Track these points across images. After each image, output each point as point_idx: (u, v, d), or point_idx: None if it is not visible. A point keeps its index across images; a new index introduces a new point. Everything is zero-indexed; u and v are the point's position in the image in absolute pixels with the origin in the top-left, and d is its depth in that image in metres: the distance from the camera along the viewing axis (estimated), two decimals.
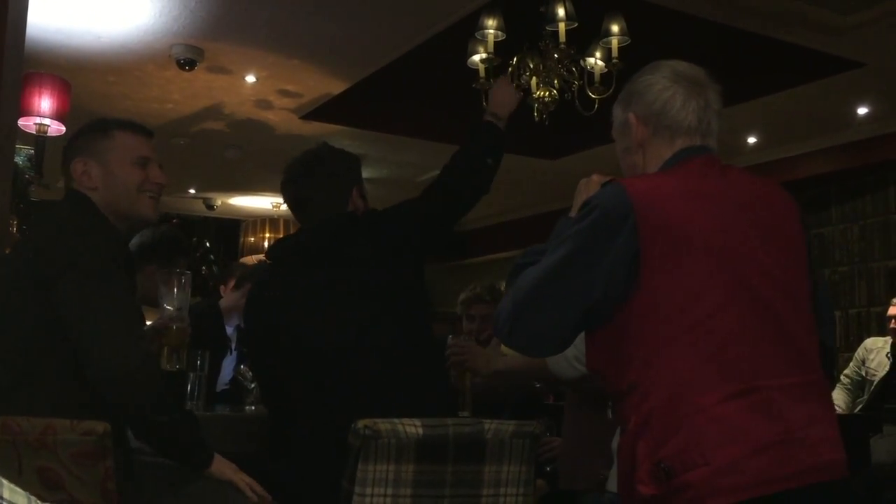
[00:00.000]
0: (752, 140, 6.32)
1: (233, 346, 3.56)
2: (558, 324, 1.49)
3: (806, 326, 1.50)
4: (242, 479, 1.81)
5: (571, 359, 2.21)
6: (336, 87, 5.39)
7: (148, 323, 2.21)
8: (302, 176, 2.25)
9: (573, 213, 1.65)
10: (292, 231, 2.33)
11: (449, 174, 2.30)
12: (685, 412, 1.37)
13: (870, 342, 5.11)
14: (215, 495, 1.82)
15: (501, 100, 2.49)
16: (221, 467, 1.80)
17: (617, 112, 1.68)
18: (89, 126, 2.05)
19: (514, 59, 3.72)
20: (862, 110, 5.65)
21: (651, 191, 1.48)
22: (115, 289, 1.78)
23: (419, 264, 2.21)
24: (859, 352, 5.09)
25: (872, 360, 4.96)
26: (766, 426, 1.36)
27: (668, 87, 1.59)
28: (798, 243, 1.57)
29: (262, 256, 7.57)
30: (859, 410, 4.83)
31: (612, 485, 1.76)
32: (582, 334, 1.56)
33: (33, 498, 0.95)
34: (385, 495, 1.63)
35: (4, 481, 0.93)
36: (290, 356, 2.11)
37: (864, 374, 4.96)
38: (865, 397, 4.88)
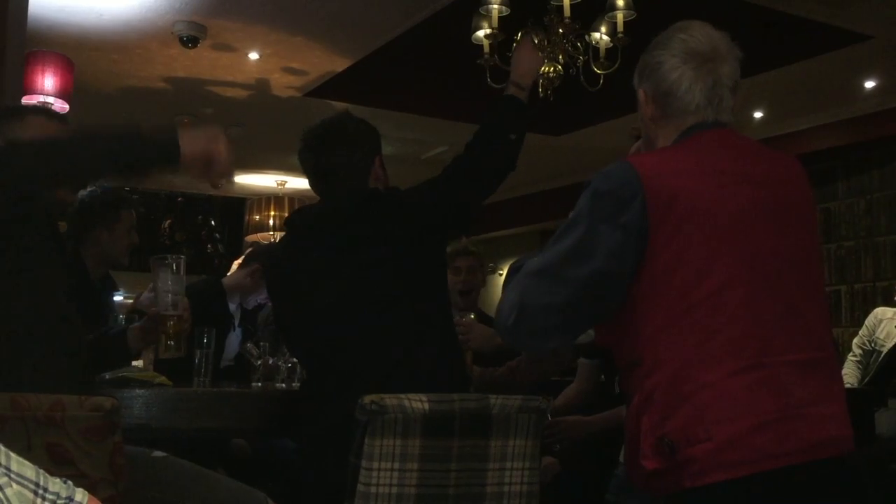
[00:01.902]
0: (758, 115, 6.28)
1: (236, 322, 3.58)
2: (568, 307, 1.48)
3: (815, 302, 1.50)
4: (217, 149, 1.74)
5: None
6: (339, 63, 5.37)
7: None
8: (323, 144, 2.17)
9: None
10: (297, 208, 2.28)
11: (470, 152, 2.18)
12: (690, 388, 1.37)
13: (880, 311, 4.99)
14: (232, 497, 1.82)
15: (524, 66, 2.32)
16: (191, 147, 1.71)
17: (636, 82, 1.66)
18: (2, 111, 1.97)
19: (519, 35, 3.69)
20: (869, 84, 5.61)
21: (659, 167, 1.47)
22: None
23: (440, 245, 2.16)
24: (869, 320, 4.98)
25: (882, 330, 4.91)
26: (769, 402, 1.36)
27: (675, 66, 1.56)
28: (811, 219, 1.56)
29: (268, 235, 7.59)
30: (866, 383, 4.81)
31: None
32: None
33: (41, 471, 0.96)
34: (392, 470, 1.64)
35: (13, 455, 0.94)
36: (301, 328, 2.10)
37: (873, 345, 4.91)
38: (872, 369, 4.85)
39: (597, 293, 1.46)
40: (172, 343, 2.16)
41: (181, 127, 1.74)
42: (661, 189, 1.43)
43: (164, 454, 1.91)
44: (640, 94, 1.61)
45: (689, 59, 1.57)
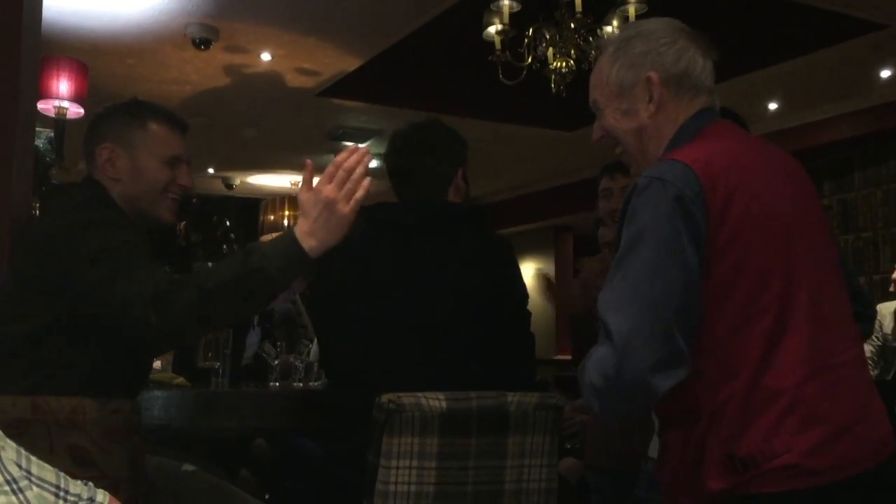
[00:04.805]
0: (773, 106, 6.24)
1: (254, 322, 3.60)
2: (672, 331, 1.28)
3: (845, 296, 1.45)
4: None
5: None
6: (351, 63, 5.37)
7: None
8: (410, 146, 2.14)
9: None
10: (379, 204, 2.21)
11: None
12: (764, 397, 1.30)
13: (882, 307, 5.00)
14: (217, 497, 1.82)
15: None
16: (303, 236, 1.60)
17: (621, 73, 1.50)
18: (123, 109, 1.87)
19: (530, 30, 3.69)
20: (885, 73, 5.56)
21: (712, 164, 1.36)
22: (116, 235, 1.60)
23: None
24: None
25: (888, 325, 4.90)
26: (842, 406, 1.31)
27: (687, 46, 1.48)
28: (822, 210, 1.52)
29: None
30: (890, 378, 4.78)
31: (654, 451, 1.70)
32: None
33: (62, 474, 0.97)
34: (410, 468, 1.65)
35: (34, 458, 0.95)
36: (360, 324, 2.02)
37: (882, 340, 4.91)
38: (883, 364, 4.83)
39: (689, 307, 1.31)
40: (209, 350, 2.06)
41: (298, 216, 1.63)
42: (717, 188, 1.33)
43: (194, 468, 1.89)
44: (653, 76, 1.47)
45: (693, 40, 1.50)
